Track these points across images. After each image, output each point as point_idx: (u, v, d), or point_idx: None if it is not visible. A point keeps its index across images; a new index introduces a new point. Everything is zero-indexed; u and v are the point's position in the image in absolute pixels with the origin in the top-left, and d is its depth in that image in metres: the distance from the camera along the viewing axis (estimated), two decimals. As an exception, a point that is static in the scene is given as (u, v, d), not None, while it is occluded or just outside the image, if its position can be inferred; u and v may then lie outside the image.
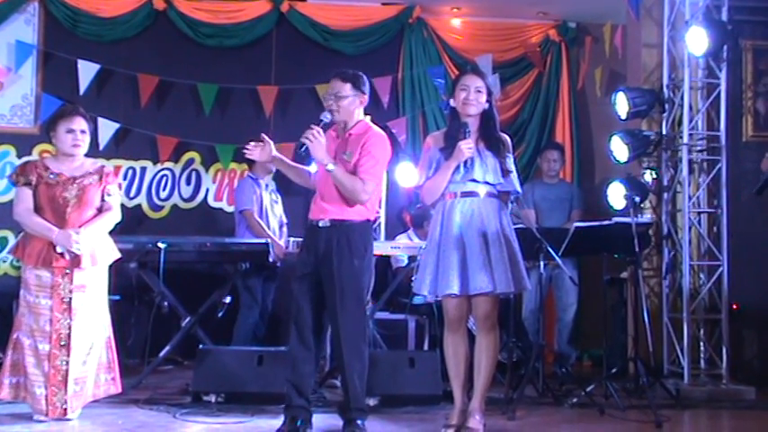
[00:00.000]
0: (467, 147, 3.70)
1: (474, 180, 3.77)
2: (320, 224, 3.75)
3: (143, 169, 6.73)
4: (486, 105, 3.82)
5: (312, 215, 3.83)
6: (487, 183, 3.78)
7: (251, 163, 5.77)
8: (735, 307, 5.37)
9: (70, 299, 3.93)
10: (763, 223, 5.49)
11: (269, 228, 5.77)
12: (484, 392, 3.80)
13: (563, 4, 6.80)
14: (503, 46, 7.11)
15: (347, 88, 3.78)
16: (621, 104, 5.52)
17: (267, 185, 5.93)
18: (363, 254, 3.77)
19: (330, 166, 3.68)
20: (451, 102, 3.89)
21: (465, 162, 3.72)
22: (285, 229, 6.04)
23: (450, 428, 3.77)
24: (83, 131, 4.07)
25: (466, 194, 3.78)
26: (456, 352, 3.84)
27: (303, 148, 3.67)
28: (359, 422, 3.74)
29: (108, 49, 6.65)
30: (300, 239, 4.54)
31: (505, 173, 3.80)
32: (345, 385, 3.75)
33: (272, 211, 5.92)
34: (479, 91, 3.79)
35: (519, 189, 3.89)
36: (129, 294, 5.12)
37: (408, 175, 6.19)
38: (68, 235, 3.90)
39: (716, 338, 5.36)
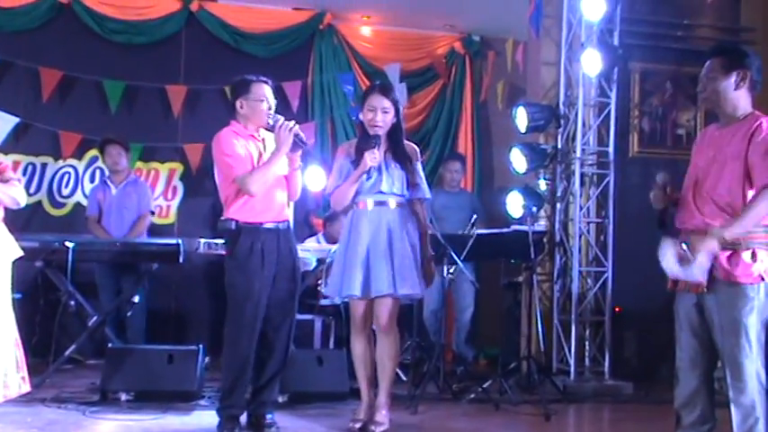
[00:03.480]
0: (371, 157, 3.87)
1: (381, 192, 3.96)
2: (281, 226, 3.89)
3: (44, 165, 6.57)
4: (394, 120, 3.99)
5: (270, 218, 3.86)
6: (394, 193, 3.97)
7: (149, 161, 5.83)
8: (617, 310, 5.75)
9: None
10: (646, 233, 5.82)
11: (122, 225, 5.84)
12: (388, 389, 4.00)
13: (468, 18, 7.03)
14: (410, 56, 7.31)
15: (272, 93, 3.91)
16: (521, 118, 5.78)
17: (122, 183, 5.99)
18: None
19: (300, 164, 3.86)
20: (361, 116, 4.04)
21: (369, 171, 3.89)
22: (150, 218, 6.08)
23: (358, 422, 3.96)
24: None
25: (377, 204, 3.97)
26: (363, 352, 4.03)
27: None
28: (271, 416, 3.91)
29: (7, 40, 6.44)
30: (215, 241, 4.61)
31: (413, 185, 4.00)
32: (271, 381, 3.90)
33: (127, 208, 5.95)
34: (386, 111, 3.94)
35: (428, 195, 4.11)
36: (33, 293, 5.01)
37: (316, 179, 6.30)
38: None
39: (600, 339, 5.75)
